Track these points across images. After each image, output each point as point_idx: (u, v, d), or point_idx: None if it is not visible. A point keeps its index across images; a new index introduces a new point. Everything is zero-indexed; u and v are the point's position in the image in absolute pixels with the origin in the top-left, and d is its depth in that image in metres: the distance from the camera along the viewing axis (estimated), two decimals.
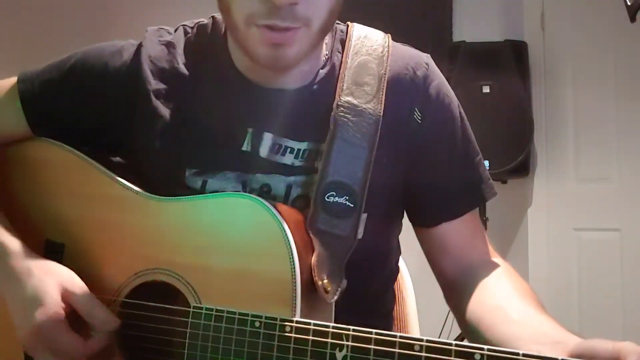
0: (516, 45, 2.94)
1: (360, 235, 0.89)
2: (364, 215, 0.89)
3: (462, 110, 0.98)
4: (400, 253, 1.07)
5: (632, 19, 0.92)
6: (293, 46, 0.82)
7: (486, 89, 2.82)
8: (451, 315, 0.97)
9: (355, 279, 0.87)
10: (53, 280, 0.82)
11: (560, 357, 0.64)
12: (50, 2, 3.18)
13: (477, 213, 0.99)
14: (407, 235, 1.06)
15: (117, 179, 0.90)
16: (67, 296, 0.81)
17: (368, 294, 0.97)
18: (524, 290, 0.88)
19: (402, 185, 0.95)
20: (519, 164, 2.81)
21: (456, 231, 0.96)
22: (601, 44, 2.96)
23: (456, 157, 0.96)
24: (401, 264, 1.24)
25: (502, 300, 0.86)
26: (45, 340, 0.79)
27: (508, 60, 2.87)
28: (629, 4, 0.92)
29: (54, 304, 0.80)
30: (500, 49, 2.90)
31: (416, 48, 1.01)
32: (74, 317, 0.81)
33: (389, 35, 0.98)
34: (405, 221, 1.05)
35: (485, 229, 2.81)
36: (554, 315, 0.79)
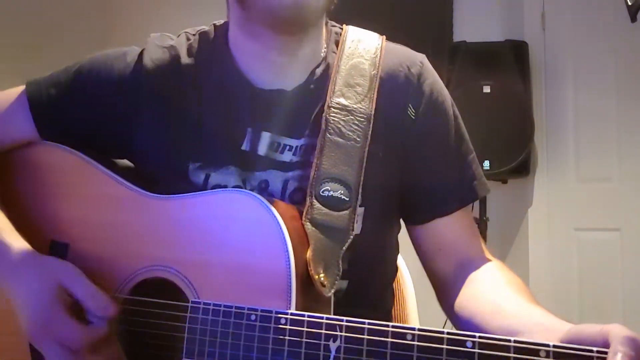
0: (516, 45, 2.94)
1: (358, 230, 0.90)
2: (362, 209, 0.91)
3: (456, 109, 1.00)
4: (398, 252, 1.08)
5: (633, 18, 0.92)
6: None
7: (486, 89, 2.82)
8: None
9: (355, 276, 0.88)
10: (52, 273, 0.84)
11: (551, 344, 0.65)
12: (53, 10, 3.18)
13: (470, 210, 1.00)
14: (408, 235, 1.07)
15: (118, 179, 0.92)
16: (66, 286, 0.84)
17: (368, 292, 0.98)
18: (516, 283, 0.89)
19: (398, 180, 0.96)
20: (519, 164, 2.80)
21: (449, 228, 0.97)
22: (601, 44, 2.96)
23: (449, 154, 0.98)
24: (401, 263, 1.24)
25: (494, 293, 0.87)
26: (48, 328, 0.81)
27: (508, 60, 2.87)
28: (629, 3, 0.92)
29: (54, 293, 0.82)
30: (501, 49, 2.90)
31: (416, 48, 1.02)
32: (75, 309, 0.83)
33: (384, 37, 1.00)
34: None
35: (486, 229, 2.82)
36: (554, 315, 0.79)
